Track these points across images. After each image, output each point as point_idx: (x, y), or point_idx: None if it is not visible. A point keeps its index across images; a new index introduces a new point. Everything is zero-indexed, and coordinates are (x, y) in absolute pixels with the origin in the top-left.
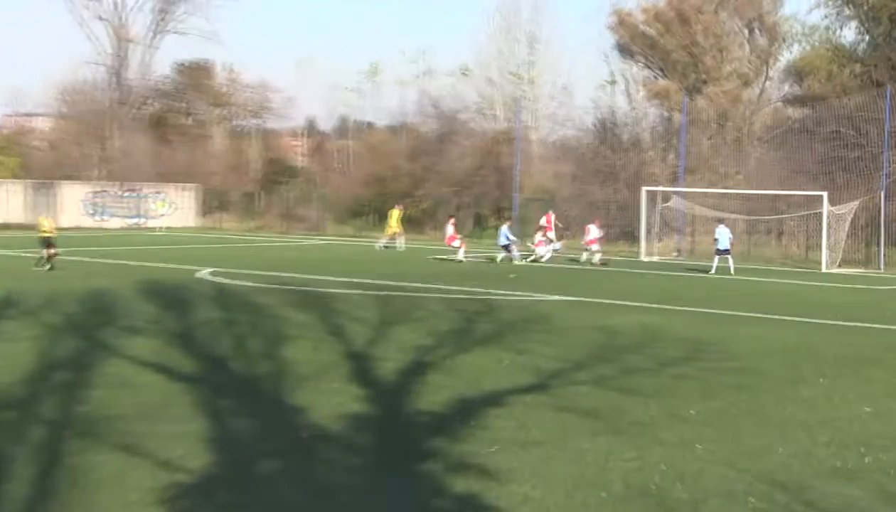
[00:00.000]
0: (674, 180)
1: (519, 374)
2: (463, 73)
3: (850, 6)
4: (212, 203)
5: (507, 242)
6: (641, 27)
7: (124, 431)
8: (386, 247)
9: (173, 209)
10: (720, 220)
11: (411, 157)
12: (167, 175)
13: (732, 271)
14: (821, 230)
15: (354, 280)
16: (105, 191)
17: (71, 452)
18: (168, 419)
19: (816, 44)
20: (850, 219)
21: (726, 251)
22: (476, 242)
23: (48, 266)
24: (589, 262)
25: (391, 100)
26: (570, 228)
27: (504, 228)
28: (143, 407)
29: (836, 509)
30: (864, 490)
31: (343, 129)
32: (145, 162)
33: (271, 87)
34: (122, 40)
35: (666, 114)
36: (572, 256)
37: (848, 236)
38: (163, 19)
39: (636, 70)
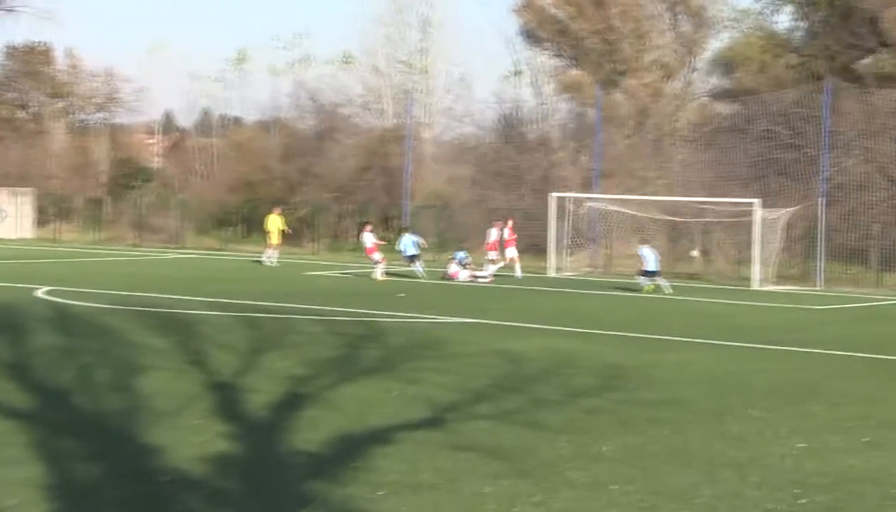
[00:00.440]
0: (587, 185)
1: (409, 407)
2: (345, 62)
3: None
4: (50, 210)
5: (414, 253)
6: (550, 10)
7: None
8: (270, 261)
9: (3, 217)
10: (644, 241)
11: (285, 157)
12: None
13: (669, 291)
14: (752, 242)
15: (219, 300)
16: None
17: None
18: None
19: (747, 31)
20: (783, 226)
21: (656, 273)
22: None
23: None
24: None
25: (262, 92)
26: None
27: (409, 236)
28: None
29: None
30: None
31: (206, 124)
32: None
33: (120, 76)
34: None
35: (578, 109)
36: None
37: (783, 249)
38: None
39: (544, 59)
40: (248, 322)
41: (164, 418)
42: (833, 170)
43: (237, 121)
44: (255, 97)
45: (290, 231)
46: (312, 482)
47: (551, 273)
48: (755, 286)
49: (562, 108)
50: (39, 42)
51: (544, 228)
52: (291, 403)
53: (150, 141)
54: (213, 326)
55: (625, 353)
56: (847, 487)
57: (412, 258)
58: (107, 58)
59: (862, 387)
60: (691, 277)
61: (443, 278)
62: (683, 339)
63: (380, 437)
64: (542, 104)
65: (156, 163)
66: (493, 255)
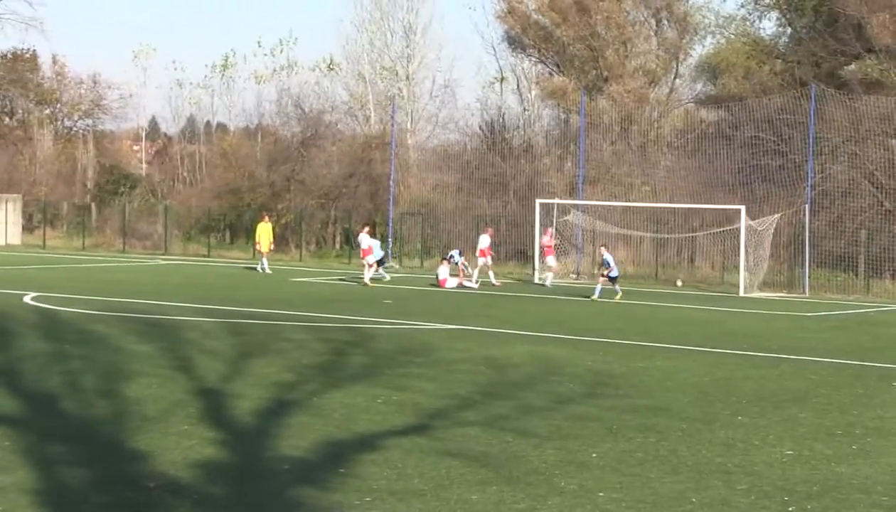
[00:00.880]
0: (572, 192)
1: (396, 413)
2: (329, 68)
3: None
4: (36, 217)
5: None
6: (534, 16)
7: None
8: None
9: None
10: (605, 245)
11: (270, 164)
12: None
13: (619, 296)
14: (738, 249)
15: (205, 306)
16: None
17: None
18: None
19: (732, 37)
20: (770, 234)
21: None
22: (346, 263)
23: None
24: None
25: (247, 99)
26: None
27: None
28: None
29: None
30: None
31: (191, 131)
32: None
33: (106, 83)
34: None
35: (563, 115)
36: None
37: (769, 256)
38: None
39: (528, 65)
40: (234, 328)
41: (151, 424)
42: (819, 176)
43: (222, 128)
44: (240, 104)
45: (272, 243)
46: (299, 488)
47: (536, 280)
48: (742, 293)
49: (546, 114)
50: (25, 49)
51: (530, 235)
52: (278, 409)
53: (136, 148)
54: (200, 331)
55: (612, 359)
56: (835, 494)
57: (378, 262)
58: (92, 64)
59: (849, 394)
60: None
61: (431, 285)
62: (671, 345)
63: (367, 443)
64: (527, 111)
65: (142, 169)
66: (483, 260)
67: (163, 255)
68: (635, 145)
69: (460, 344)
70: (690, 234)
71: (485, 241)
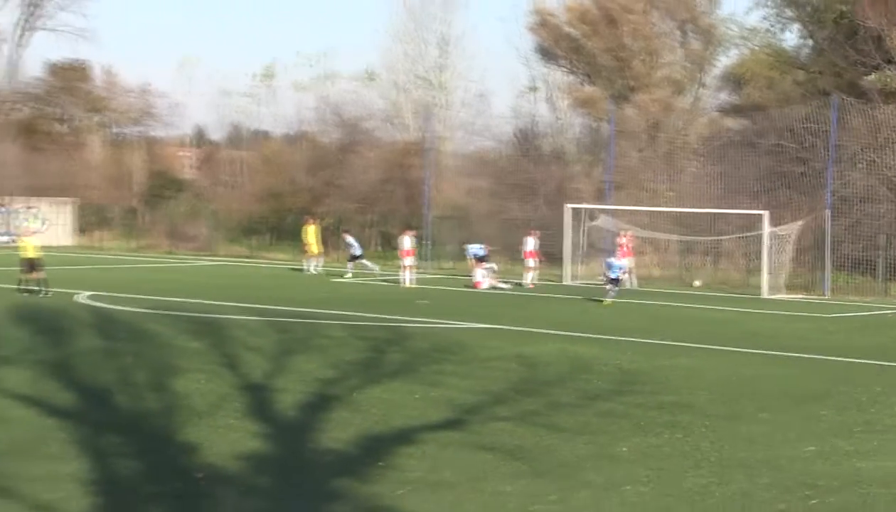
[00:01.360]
0: (600, 197)
1: (432, 409)
2: (367, 77)
3: (792, 7)
4: (90, 219)
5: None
6: (565, 28)
7: None
8: (315, 269)
9: (47, 226)
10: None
11: (310, 169)
12: (39, 188)
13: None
14: (761, 253)
15: (250, 305)
16: None
17: None
18: (43, 458)
19: (755, 48)
20: (793, 240)
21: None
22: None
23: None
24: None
25: (288, 107)
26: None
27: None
28: (14, 443)
29: None
30: None
31: (235, 138)
32: (14, 173)
33: (154, 92)
34: None
35: (592, 124)
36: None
37: (791, 259)
38: (32, 14)
39: (559, 75)
40: (277, 326)
41: (199, 417)
42: (839, 182)
43: (265, 134)
44: (282, 112)
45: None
46: (340, 480)
47: (566, 281)
48: (764, 295)
49: (576, 122)
50: (78, 60)
51: (559, 238)
52: (319, 403)
53: (183, 154)
54: (245, 329)
55: (639, 358)
56: (856, 488)
57: (357, 257)
58: (141, 74)
59: (868, 393)
60: (703, 285)
61: (466, 286)
62: (694, 345)
63: (404, 437)
64: (558, 119)
65: (188, 175)
66: (532, 262)
67: (208, 255)
68: (662, 152)
69: (493, 342)
70: (715, 238)
71: (531, 243)
